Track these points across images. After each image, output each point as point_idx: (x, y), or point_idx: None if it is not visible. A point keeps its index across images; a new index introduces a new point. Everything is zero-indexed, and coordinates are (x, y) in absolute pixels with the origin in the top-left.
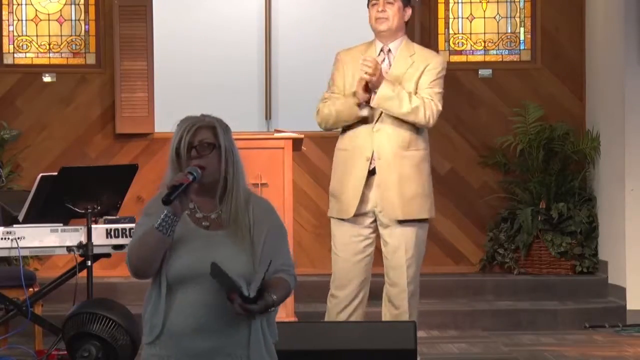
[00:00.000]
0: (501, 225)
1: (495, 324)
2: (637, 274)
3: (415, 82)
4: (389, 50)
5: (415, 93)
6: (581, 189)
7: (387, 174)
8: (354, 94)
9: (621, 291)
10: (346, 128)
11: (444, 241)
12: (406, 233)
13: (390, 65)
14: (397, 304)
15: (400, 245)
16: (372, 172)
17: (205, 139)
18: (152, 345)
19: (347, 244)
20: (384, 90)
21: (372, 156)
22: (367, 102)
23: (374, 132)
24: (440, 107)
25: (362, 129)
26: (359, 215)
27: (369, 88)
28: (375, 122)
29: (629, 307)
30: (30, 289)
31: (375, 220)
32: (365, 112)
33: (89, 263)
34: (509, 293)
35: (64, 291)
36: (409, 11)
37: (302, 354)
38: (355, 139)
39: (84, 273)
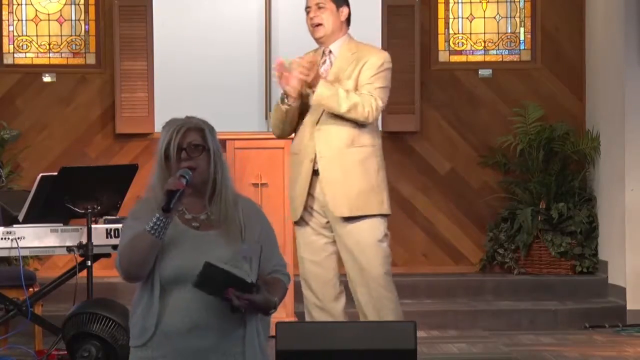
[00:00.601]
0: (501, 225)
1: (495, 324)
2: (637, 274)
3: (354, 80)
4: (330, 51)
5: (356, 90)
6: (581, 189)
7: (329, 172)
8: (282, 96)
9: (621, 291)
10: (295, 131)
11: (444, 241)
12: (355, 231)
13: (331, 65)
14: (365, 312)
15: (351, 244)
16: (317, 173)
17: (194, 141)
18: (143, 348)
19: (308, 244)
20: (321, 89)
21: (314, 157)
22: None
23: (315, 132)
24: (380, 103)
25: (306, 131)
26: (313, 215)
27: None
28: (317, 123)
29: (629, 307)
30: (30, 289)
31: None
32: (289, 104)
33: (89, 263)
34: (509, 293)
35: (64, 291)
36: (345, 10)
37: (302, 354)
38: (301, 142)
39: (84, 273)
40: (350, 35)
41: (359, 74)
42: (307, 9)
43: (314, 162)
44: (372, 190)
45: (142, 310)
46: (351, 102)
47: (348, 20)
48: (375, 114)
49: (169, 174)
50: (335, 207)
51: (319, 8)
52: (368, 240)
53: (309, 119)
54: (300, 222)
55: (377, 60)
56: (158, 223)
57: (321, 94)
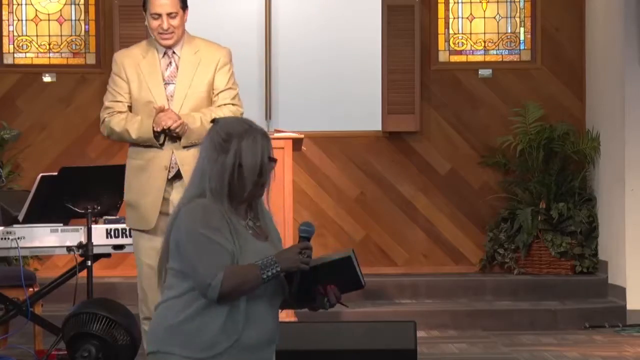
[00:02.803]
0: (501, 225)
1: (495, 324)
2: (637, 274)
3: (208, 84)
4: (174, 52)
5: (213, 93)
6: (581, 189)
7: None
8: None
9: (621, 291)
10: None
11: (444, 241)
12: None
13: (177, 68)
14: None
15: None
16: (175, 177)
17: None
18: None
19: (152, 248)
20: (190, 133)
21: (170, 164)
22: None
23: (174, 149)
24: (242, 109)
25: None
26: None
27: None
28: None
29: (629, 307)
30: (30, 289)
31: None
32: (165, 146)
33: (89, 263)
34: (509, 293)
35: (64, 291)
36: (187, 12)
37: (302, 354)
38: (148, 152)
39: (84, 273)
40: (187, 32)
41: (212, 77)
42: (155, 15)
43: (169, 169)
44: None
45: (220, 324)
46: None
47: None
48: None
49: (242, 183)
50: None
51: (171, 17)
52: None
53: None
54: (154, 228)
55: (227, 60)
56: (274, 274)
57: (191, 135)
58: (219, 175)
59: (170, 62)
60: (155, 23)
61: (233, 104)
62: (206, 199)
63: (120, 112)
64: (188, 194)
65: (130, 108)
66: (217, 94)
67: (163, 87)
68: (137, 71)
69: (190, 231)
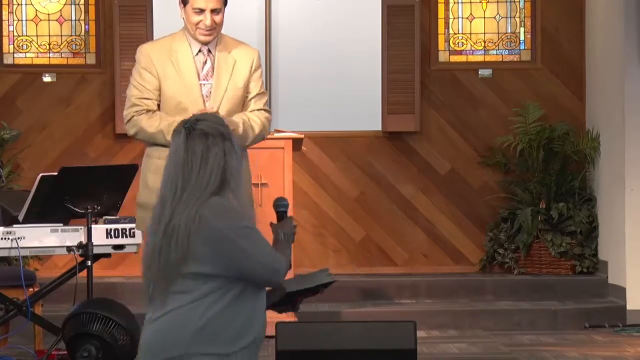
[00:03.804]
0: (501, 225)
1: (495, 324)
2: (637, 274)
3: (243, 86)
4: (209, 50)
5: (246, 98)
6: (581, 189)
7: None
8: None
9: (621, 291)
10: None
11: (444, 241)
12: None
13: (213, 67)
14: None
15: None
16: None
17: None
18: (232, 356)
19: None
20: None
21: None
22: None
23: None
24: (270, 116)
25: None
26: None
27: None
28: None
29: (629, 307)
30: (30, 289)
31: None
32: None
33: (89, 263)
34: (509, 293)
35: (64, 291)
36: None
37: (302, 354)
38: None
39: (84, 273)
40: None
41: (247, 79)
42: (197, 10)
43: None
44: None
45: (237, 317)
46: (256, 131)
47: None
48: (268, 127)
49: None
50: None
51: (215, 14)
52: None
53: None
54: None
55: (259, 63)
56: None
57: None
58: (235, 169)
59: (206, 61)
60: (196, 18)
61: (265, 110)
62: (217, 197)
63: (149, 110)
64: (192, 195)
65: (159, 106)
66: (251, 98)
67: (199, 87)
68: (169, 67)
69: (236, 229)
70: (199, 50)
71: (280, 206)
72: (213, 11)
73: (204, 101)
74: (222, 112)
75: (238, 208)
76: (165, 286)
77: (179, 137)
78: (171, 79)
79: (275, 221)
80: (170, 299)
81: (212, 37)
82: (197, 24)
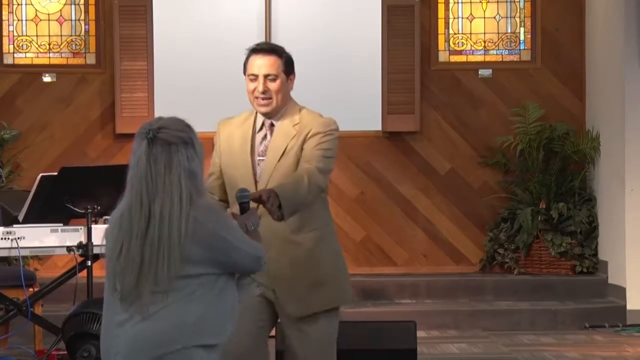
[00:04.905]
0: (501, 225)
1: (495, 324)
2: (637, 274)
3: (295, 155)
4: (272, 124)
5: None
6: (581, 189)
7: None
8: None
9: (621, 291)
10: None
11: (444, 241)
12: (306, 330)
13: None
14: None
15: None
16: None
17: None
18: (213, 349)
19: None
20: (285, 203)
21: None
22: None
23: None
24: (328, 166)
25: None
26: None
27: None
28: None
29: (629, 307)
30: (30, 289)
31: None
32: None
33: (89, 263)
34: (509, 293)
35: (64, 291)
36: (293, 79)
37: None
38: None
39: (84, 273)
40: (292, 101)
41: (301, 146)
42: (251, 76)
43: None
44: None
45: (224, 308)
46: (311, 187)
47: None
48: (322, 182)
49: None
50: (286, 303)
51: (269, 80)
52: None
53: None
54: None
55: (320, 128)
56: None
57: (288, 204)
58: (198, 174)
59: (266, 135)
60: (251, 85)
61: (315, 165)
62: (201, 199)
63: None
64: (169, 204)
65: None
66: (303, 158)
67: (251, 163)
68: (229, 144)
69: (224, 227)
70: (262, 125)
71: (242, 197)
72: (267, 77)
73: (255, 178)
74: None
75: (217, 208)
76: (150, 289)
77: (140, 147)
78: (226, 154)
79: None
80: (156, 299)
81: (270, 108)
82: (252, 91)
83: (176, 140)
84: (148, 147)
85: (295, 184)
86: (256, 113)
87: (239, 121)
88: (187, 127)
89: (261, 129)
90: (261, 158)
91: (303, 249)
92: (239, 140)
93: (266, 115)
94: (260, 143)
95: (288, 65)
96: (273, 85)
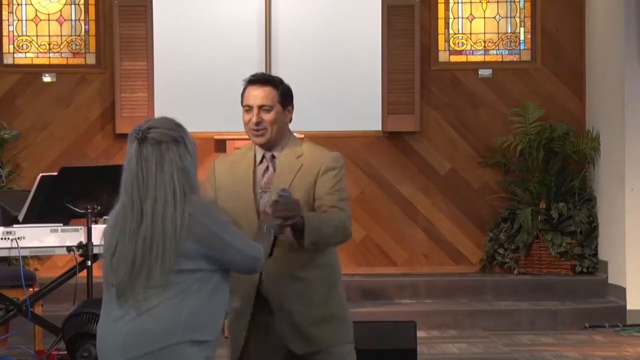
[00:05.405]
0: (501, 225)
1: (495, 324)
2: (637, 274)
3: (306, 191)
4: (272, 156)
5: (314, 201)
6: (581, 189)
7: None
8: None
9: (621, 291)
10: None
11: (444, 241)
12: None
13: (275, 172)
14: None
15: None
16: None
17: None
18: (206, 345)
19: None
20: (310, 230)
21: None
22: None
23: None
24: (350, 218)
25: None
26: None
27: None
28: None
29: (629, 307)
30: (30, 289)
31: None
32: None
33: (89, 263)
34: (509, 293)
35: (64, 291)
36: (291, 110)
37: None
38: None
39: (84, 273)
40: (290, 133)
41: (314, 182)
42: (246, 107)
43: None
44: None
45: (218, 305)
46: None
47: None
48: (348, 231)
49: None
50: (291, 341)
51: (264, 110)
52: None
53: None
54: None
55: (333, 163)
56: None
57: (311, 232)
58: (191, 171)
59: (268, 167)
60: (246, 117)
61: (341, 209)
62: (194, 195)
63: None
64: (162, 202)
65: None
66: (320, 198)
67: (253, 197)
68: (227, 178)
69: (218, 224)
70: (263, 158)
71: (282, 196)
72: (262, 108)
73: (257, 213)
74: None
75: (213, 204)
76: (144, 285)
77: (131, 148)
78: (224, 188)
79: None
80: (150, 294)
81: (264, 139)
82: (247, 123)
83: (166, 139)
84: (138, 148)
85: (325, 220)
86: (255, 146)
87: (237, 157)
88: (177, 126)
89: (262, 161)
90: (264, 191)
91: (311, 286)
92: (239, 173)
93: (263, 146)
94: (263, 175)
95: (285, 97)
96: (267, 116)
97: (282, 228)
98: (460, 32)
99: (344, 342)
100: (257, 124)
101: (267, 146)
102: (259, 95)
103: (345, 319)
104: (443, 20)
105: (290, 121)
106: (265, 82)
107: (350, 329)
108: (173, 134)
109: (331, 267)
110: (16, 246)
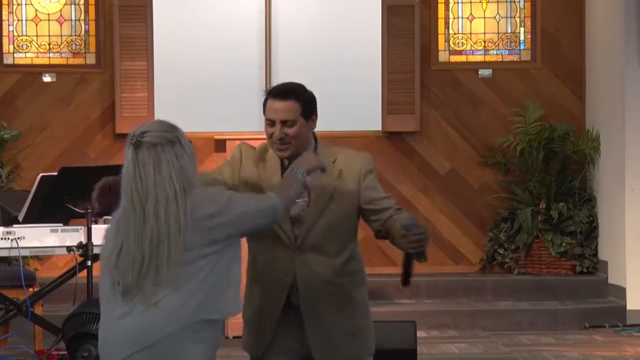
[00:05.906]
0: (501, 225)
1: (495, 324)
2: (637, 274)
3: (350, 202)
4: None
5: (359, 207)
6: (581, 189)
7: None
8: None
9: (621, 291)
10: None
11: (444, 241)
12: None
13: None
14: None
15: None
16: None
17: None
18: (219, 322)
19: None
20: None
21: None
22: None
23: (295, 256)
24: None
25: (279, 251)
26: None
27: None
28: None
29: (629, 307)
30: (30, 289)
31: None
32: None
33: (89, 263)
34: (509, 293)
35: (64, 291)
36: (315, 119)
37: None
38: (272, 262)
39: (84, 273)
40: (315, 140)
41: (357, 187)
42: (268, 121)
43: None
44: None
45: (225, 283)
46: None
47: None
48: None
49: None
50: (323, 350)
51: (286, 126)
52: None
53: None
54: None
55: (370, 164)
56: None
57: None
58: (189, 170)
59: None
60: (269, 130)
61: (398, 207)
62: (193, 189)
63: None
64: (163, 202)
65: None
66: (374, 202)
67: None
68: (254, 170)
69: (225, 202)
70: (288, 164)
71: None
72: (284, 123)
73: (292, 225)
74: (320, 231)
75: (210, 190)
76: (152, 282)
77: (128, 154)
78: (250, 186)
79: None
80: (158, 289)
81: (288, 152)
82: (269, 137)
83: (161, 141)
84: (135, 153)
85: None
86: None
87: (259, 151)
88: (172, 127)
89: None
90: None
91: (343, 293)
92: (269, 173)
93: (287, 158)
94: None
95: (307, 108)
96: (291, 131)
97: (313, 179)
98: (460, 32)
99: (366, 355)
100: (281, 139)
101: (292, 158)
102: (280, 109)
103: (370, 330)
104: (443, 20)
105: (314, 127)
106: (287, 94)
107: (373, 340)
108: (168, 136)
109: (360, 272)
110: (16, 246)
